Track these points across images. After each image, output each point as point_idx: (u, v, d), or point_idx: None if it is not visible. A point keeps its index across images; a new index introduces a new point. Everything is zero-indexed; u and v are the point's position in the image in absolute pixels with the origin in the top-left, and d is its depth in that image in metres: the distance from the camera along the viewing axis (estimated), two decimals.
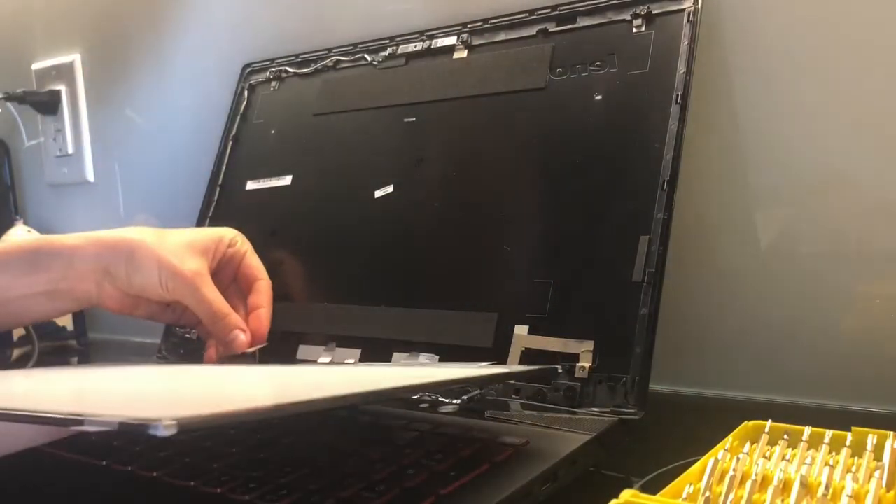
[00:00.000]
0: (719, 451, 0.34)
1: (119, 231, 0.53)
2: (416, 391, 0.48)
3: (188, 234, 0.54)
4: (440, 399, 0.48)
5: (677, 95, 0.49)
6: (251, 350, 0.54)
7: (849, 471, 0.32)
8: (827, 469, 0.31)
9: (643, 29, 0.52)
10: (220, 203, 0.70)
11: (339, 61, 0.68)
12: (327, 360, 0.56)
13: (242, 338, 0.53)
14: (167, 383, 0.44)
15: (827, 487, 0.30)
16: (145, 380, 0.46)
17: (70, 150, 0.98)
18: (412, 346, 0.52)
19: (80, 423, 0.24)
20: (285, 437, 0.41)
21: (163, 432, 0.22)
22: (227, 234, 0.56)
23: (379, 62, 0.65)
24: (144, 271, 0.51)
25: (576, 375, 0.46)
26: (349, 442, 0.39)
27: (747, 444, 0.36)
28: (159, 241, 0.52)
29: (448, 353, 0.51)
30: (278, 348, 0.58)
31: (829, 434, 0.36)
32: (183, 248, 0.52)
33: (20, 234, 0.90)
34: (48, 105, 0.98)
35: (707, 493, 0.30)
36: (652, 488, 0.32)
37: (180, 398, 0.36)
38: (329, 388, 0.35)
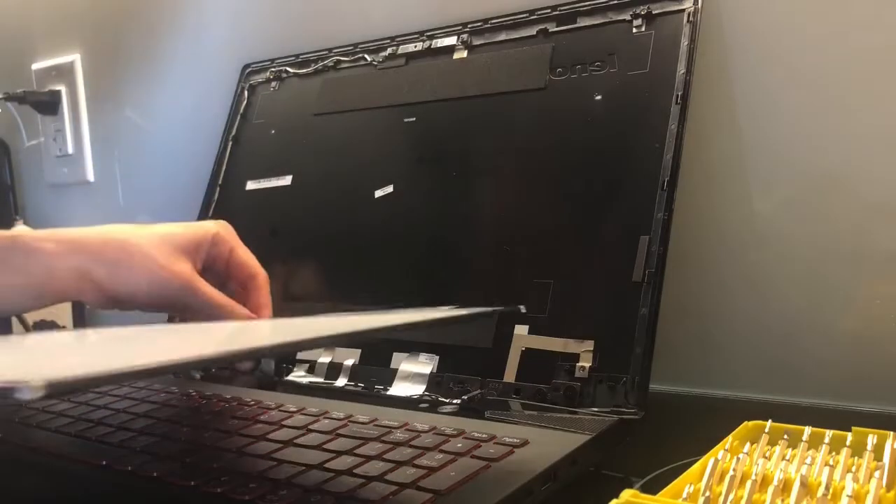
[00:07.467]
0: (719, 451, 0.34)
1: (99, 230, 0.49)
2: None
3: (169, 227, 0.50)
4: (440, 399, 0.49)
5: (677, 95, 0.49)
6: None
7: (849, 471, 0.32)
8: (827, 469, 0.31)
9: (643, 29, 0.52)
10: (220, 203, 0.70)
11: (339, 61, 0.68)
12: (327, 360, 0.56)
13: None
14: (85, 345, 0.41)
15: (827, 487, 0.30)
16: (65, 342, 0.44)
17: (70, 150, 0.98)
18: (412, 346, 0.52)
19: None
20: (287, 437, 0.41)
21: (28, 395, 0.21)
22: (209, 230, 0.51)
23: (379, 62, 0.65)
24: (131, 276, 0.47)
25: (576, 375, 0.46)
26: (348, 441, 0.39)
27: (747, 444, 0.36)
28: (144, 240, 0.48)
29: (448, 353, 0.51)
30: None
31: (829, 434, 0.36)
32: (168, 251, 0.49)
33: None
34: (48, 105, 0.98)
35: (707, 493, 0.30)
36: (652, 488, 0.32)
37: (72, 359, 0.33)
38: (239, 342, 0.34)
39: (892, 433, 0.34)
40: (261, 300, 0.53)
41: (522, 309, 0.46)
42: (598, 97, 0.52)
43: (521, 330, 0.49)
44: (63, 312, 0.89)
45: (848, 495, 0.29)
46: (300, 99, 0.69)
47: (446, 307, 0.46)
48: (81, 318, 0.91)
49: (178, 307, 0.50)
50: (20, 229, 0.91)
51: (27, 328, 0.72)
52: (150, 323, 0.56)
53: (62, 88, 0.98)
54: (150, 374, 0.25)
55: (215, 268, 0.53)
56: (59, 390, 0.21)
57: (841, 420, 0.37)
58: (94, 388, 0.44)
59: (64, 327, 0.88)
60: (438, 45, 0.62)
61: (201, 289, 0.49)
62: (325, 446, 0.39)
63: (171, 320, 0.62)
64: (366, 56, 0.66)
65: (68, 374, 0.22)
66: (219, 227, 0.52)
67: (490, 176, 0.55)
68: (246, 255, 0.53)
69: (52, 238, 0.48)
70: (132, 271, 0.47)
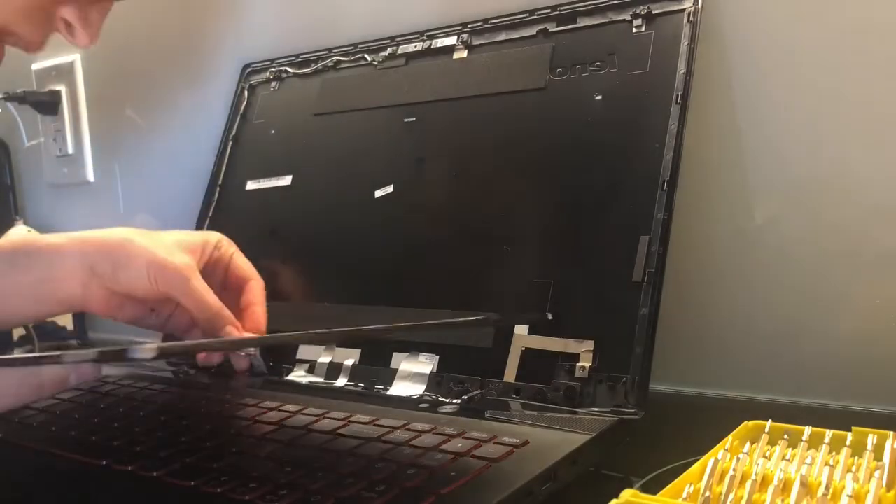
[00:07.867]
0: (719, 451, 0.34)
1: (104, 230, 0.51)
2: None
3: (174, 234, 0.53)
4: (440, 399, 0.49)
5: (677, 95, 0.49)
6: (244, 353, 0.54)
7: (849, 471, 0.32)
8: (827, 469, 0.31)
9: (643, 29, 0.52)
10: (220, 203, 0.70)
11: (339, 61, 0.68)
12: (327, 359, 0.56)
13: (237, 334, 0.51)
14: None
15: (827, 487, 0.30)
16: None
17: (70, 150, 0.98)
18: (412, 346, 0.52)
19: (58, 359, 0.26)
20: (287, 437, 0.41)
21: (141, 355, 0.24)
22: (213, 236, 0.55)
23: (379, 62, 0.65)
24: (132, 267, 0.49)
25: (576, 375, 0.46)
26: (348, 441, 0.39)
27: (747, 444, 0.36)
28: (146, 239, 0.51)
29: (448, 354, 0.51)
30: (278, 347, 0.58)
31: (829, 434, 0.36)
32: (171, 245, 0.51)
33: (20, 235, 0.90)
34: (48, 105, 0.97)
35: (707, 493, 0.30)
36: (652, 488, 0.32)
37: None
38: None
39: (892, 433, 0.34)
40: (252, 298, 0.55)
41: (549, 316, 0.47)
42: (598, 97, 0.52)
43: (520, 330, 0.49)
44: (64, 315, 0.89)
45: (848, 495, 0.29)
46: (300, 99, 0.69)
47: (473, 314, 0.47)
48: (82, 325, 0.91)
49: (173, 299, 0.51)
50: (21, 229, 0.91)
51: (29, 332, 0.72)
52: (147, 335, 0.59)
53: (62, 88, 0.98)
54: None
55: (216, 272, 0.55)
56: (166, 354, 0.26)
57: (841, 420, 0.37)
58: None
59: (65, 327, 0.88)
60: (438, 45, 0.62)
61: (196, 283, 0.51)
62: (325, 446, 0.39)
63: (166, 339, 0.63)
64: (366, 56, 0.66)
65: (174, 343, 0.27)
66: (222, 237, 0.56)
67: (490, 176, 0.55)
68: (245, 262, 0.56)
69: (59, 235, 0.50)
70: (134, 261, 0.49)
